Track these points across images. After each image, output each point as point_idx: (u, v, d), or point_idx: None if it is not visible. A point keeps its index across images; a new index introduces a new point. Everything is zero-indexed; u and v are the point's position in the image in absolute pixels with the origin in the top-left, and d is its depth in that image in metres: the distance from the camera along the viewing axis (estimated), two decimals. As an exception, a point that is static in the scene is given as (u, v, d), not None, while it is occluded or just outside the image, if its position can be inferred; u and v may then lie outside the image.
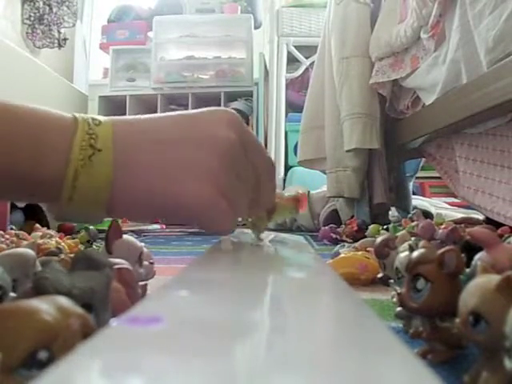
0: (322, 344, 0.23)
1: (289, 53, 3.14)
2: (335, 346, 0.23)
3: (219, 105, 3.15)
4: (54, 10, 1.95)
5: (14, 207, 1.60)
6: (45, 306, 0.25)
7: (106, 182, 0.43)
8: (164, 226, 2.77)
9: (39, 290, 0.29)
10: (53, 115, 0.44)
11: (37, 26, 1.88)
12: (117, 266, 0.41)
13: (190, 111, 0.50)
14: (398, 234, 0.76)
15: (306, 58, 3.09)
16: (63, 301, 0.27)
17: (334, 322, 0.28)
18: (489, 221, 1.20)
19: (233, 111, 0.50)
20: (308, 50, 2.98)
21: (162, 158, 0.45)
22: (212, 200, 0.45)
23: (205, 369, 0.18)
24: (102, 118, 0.46)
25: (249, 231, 0.63)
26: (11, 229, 1.19)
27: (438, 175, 1.59)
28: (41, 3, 1.88)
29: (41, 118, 0.43)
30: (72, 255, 0.67)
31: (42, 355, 0.24)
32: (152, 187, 0.44)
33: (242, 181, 0.48)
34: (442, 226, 0.96)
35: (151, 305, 0.27)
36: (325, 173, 1.93)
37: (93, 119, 0.45)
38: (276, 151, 3.08)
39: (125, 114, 3.14)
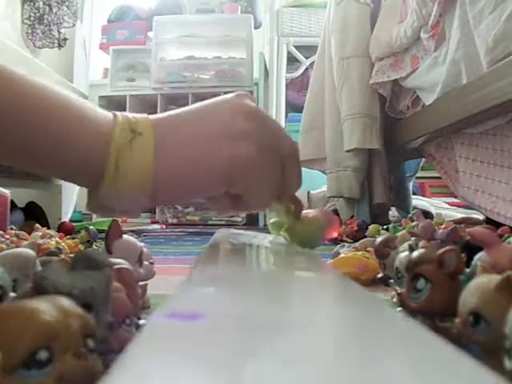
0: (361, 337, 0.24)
1: (289, 53, 3.14)
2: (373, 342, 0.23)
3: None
4: (54, 10, 1.94)
5: (13, 207, 1.60)
6: (45, 306, 0.25)
7: (148, 163, 0.43)
8: (164, 226, 2.77)
9: (39, 290, 0.29)
10: (93, 108, 0.46)
11: (37, 26, 1.88)
12: (117, 266, 0.41)
13: (212, 101, 0.51)
14: (398, 234, 0.76)
15: (306, 57, 3.09)
16: (63, 301, 0.27)
17: (361, 318, 0.28)
18: (489, 221, 1.20)
19: (250, 103, 0.50)
20: (308, 49, 2.98)
21: (199, 133, 0.47)
22: (250, 156, 0.46)
23: (250, 364, 0.19)
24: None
25: (247, 232, 0.63)
26: (11, 229, 1.19)
27: (438, 175, 1.59)
28: (41, 3, 1.87)
29: (85, 107, 0.45)
30: (72, 255, 0.67)
31: (42, 355, 0.24)
32: (193, 157, 0.45)
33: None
34: (442, 226, 0.96)
35: (183, 301, 0.28)
36: (325, 173, 1.93)
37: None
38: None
39: (125, 114, 3.13)
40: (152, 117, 0.47)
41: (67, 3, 2.01)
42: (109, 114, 0.46)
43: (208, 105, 0.50)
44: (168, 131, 0.46)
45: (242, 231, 0.73)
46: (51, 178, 0.50)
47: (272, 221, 0.60)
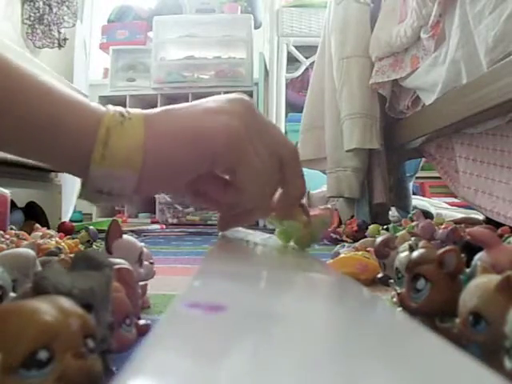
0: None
1: (289, 53, 3.14)
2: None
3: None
4: (54, 10, 1.94)
5: (13, 207, 1.60)
6: (45, 306, 0.25)
7: (138, 142, 0.44)
8: (164, 226, 2.77)
9: (39, 290, 0.29)
10: (85, 99, 0.47)
11: (37, 26, 1.88)
12: (117, 266, 0.41)
13: (204, 102, 0.50)
14: (398, 234, 0.76)
15: (306, 57, 3.09)
16: (63, 301, 0.27)
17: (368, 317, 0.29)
18: (489, 221, 1.20)
19: (246, 104, 0.50)
20: (308, 49, 2.98)
21: (187, 113, 0.48)
22: (237, 129, 0.46)
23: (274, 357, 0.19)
24: None
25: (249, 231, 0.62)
26: (11, 229, 1.19)
27: (438, 175, 1.59)
28: (41, 3, 1.87)
29: (77, 96, 0.46)
30: (72, 255, 0.67)
31: (42, 355, 0.24)
32: (180, 133, 0.46)
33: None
34: (442, 226, 0.96)
35: (201, 293, 0.28)
36: (325, 173, 1.93)
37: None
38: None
39: (125, 114, 3.14)
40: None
41: (67, 3, 2.01)
42: (101, 106, 0.47)
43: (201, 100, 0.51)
44: (157, 116, 0.47)
45: (248, 230, 0.73)
46: (43, 163, 0.50)
47: (279, 230, 0.59)
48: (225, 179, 0.51)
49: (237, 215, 0.55)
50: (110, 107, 0.46)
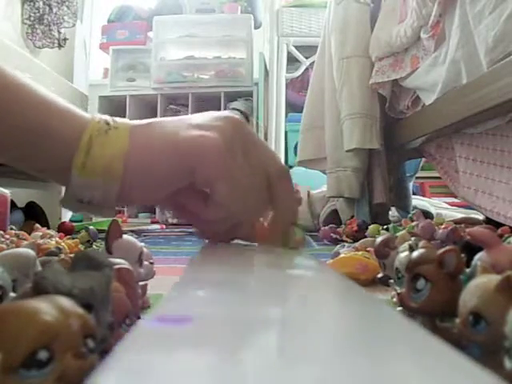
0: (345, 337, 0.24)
1: (289, 53, 3.14)
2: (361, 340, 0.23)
3: (219, 105, 3.15)
4: (54, 10, 1.94)
5: (13, 207, 1.60)
6: (45, 306, 0.25)
7: (120, 151, 0.44)
8: (164, 226, 2.77)
9: (39, 290, 0.29)
10: (72, 106, 0.47)
11: (37, 26, 1.88)
12: (117, 266, 0.41)
13: (191, 118, 0.51)
14: (398, 234, 0.76)
15: (306, 57, 3.09)
16: (63, 301, 0.27)
17: (353, 316, 0.28)
18: (489, 221, 1.20)
19: (233, 121, 0.50)
20: (308, 49, 2.99)
21: (173, 126, 0.48)
22: (217, 143, 0.46)
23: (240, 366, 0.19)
24: None
25: None
26: (11, 229, 1.19)
27: (438, 175, 1.59)
28: (41, 3, 1.87)
29: (64, 104, 0.47)
30: (72, 255, 0.67)
31: (42, 355, 0.24)
32: (162, 145, 0.46)
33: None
34: (442, 226, 0.96)
35: (174, 305, 0.28)
36: (325, 173, 1.93)
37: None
38: (276, 151, 3.09)
39: (125, 114, 3.15)
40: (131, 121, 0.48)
41: (67, 3, 2.01)
42: (87, 114, 0.47)
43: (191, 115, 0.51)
44: (142, 127, 0.47)
45: None
46: (29, 171, 0.50)
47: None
48: (206, 193, 0.50)
49: (216, 233, 0.55)
50: (97, 115, 0.46)
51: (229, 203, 0.49)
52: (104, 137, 0.44)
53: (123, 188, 0.45)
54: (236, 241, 0.57)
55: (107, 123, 0.45)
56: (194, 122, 0.48)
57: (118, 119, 0.47)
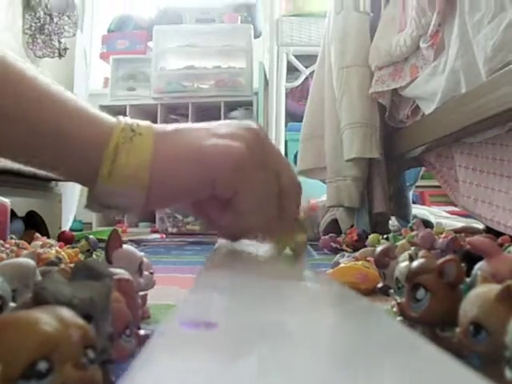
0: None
1: (288, 62, 3.14)
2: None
3: (219, 114, 3.15)
4: (55, 19, 1.95)
5: (13, 216, 1.60)
6: (45, 317, 0.25)
7: (146, 160, 0.44)
8: (164, 236, 2.77)
9: (39, 301, 0.29)
10: (96, 110, 0.48)
11: (37, 35, 1.89)
12: (117, 276, 0.41)
13: (214, 126, 0.51)
14: (398, 243, 0.76)
15: (306, 67, 3.10)
16: (63, 311, 0.26)
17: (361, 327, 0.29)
18: (488, 230, 1.20)
19: (255, 131, 0.50)
20: (308, 59, 2.99)
21: (197, 135, 0.48)
22: (243, 153, 0.47)
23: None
24: None
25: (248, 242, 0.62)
26: (11, 238, 1.19)
27: (437, 184, 1.59)
28: (42, 13, 1.88)
29: (88, 107, 0.47)
30: (72, 265, 0.67)
31: (42, 366, 0.24)
32: (188, 154, 0.46)
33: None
34: (442, 236, 0.96)
35: (193, 310, 0.28)
36: (325, 182, 1.93)
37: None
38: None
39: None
40: (154, 125, 0.48)
41: (68, 13, 2.02)
42: (111, 117, 0.47)
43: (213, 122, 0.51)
44: (166, 135, 0.47)
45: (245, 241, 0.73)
46: (49, 172, 0.51)
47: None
48: (225, 201, 0.50)
49: (230, 234, 0.55)
50: (121, 119, 0.46)
51: (247, 213, 0.50)
52: (129, 144, 0.44)
53: (148, 195, 0.45)
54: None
55: (132, 129, 0.45)
56: (219, 132, 0.48)
57: (141, 123, 0.47)
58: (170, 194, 0.48)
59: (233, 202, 0.49)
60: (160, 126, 0.48)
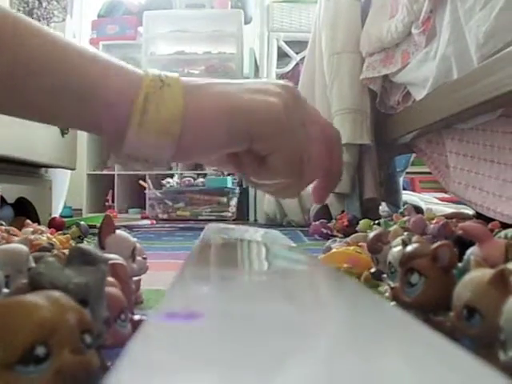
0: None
1: (279, 48, 3.13)
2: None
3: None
4: (44, 4, 1.93)
5: (3, 203, 1.59)
6: (42, 302, 0.25)
7: (177, 114, 0.43)
8: (154, 222, 2.76)
9: (35, 286, 0.29)
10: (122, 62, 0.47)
11: (26, 20, 1.86)
12: (111, 262, 0.41)
13: (245, 82, 0.50)
14: (391, 228, 0.77)
15: (297, 53, 3.09)
16: (60, 296, 0.26)
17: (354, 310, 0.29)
18: (479, 216, 1.21)
19: (289, 88, 0.49)
20: (298, 45, 2.98)
21: (227, 89, 0.46)
22: (278, 109, 0.45)
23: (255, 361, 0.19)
24: None
25: (238, 227, 0.62)
26: (1, 224, 1.18)
27: (428, 170, 1.60)
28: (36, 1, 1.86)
29: (114, 60, 0.46)
30: (65, 251, 0.67)
31: (40, 351, 0.24)
32: (219, 107, 0.45)
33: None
34: (434, 221, 0.96)
35: (178, 301, 0.28)
36: (315, 168, 1.93)
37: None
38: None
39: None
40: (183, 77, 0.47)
41: (57, -2, 2.00)
42: (137, 69, 0.46)
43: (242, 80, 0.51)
44: (196, 86, 0.46)
45: (232, 226, 0.73)
46: (73, 127, 0.51)
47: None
48: (260, 158, 0.48)
49: (264, 187, 0.55)
50: (149, 71, 0.45)
51: (282, 173, 0.48)
52: (160, 95, 0.43)
53: (178, 147, 0.44)
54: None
55: (161, 80, 0.44)
56: (253, 87, 0.47)
57: (168, 74, 0.46)
58: (201, 146, 0.46)
59: (267, 160, 0.47)
60: (190, 79, 0.47)
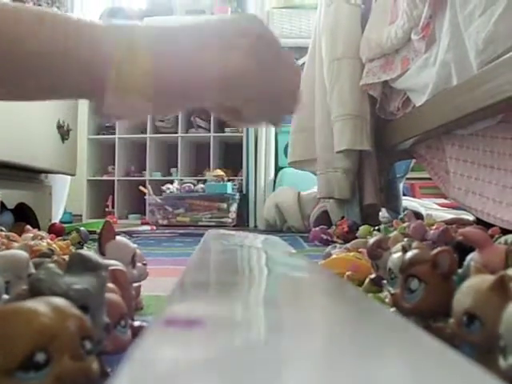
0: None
1: (279, 54, 3.13)
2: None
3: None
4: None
5: (3, 208, 1.59)
6: (42, 308, 0.25)
7: (147, 69, 0.46)
8: (154, 228, 2.76)
9: (35, 292, 0.29)
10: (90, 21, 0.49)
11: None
12: (111, 268, 0.41)
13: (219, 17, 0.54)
14: (391, 234, 0.77)
15: (297, 59, 3.09)
16: (60, 302, 0.26)
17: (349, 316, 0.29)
18: (478, 221, 1.21)
19: (261, 26, 0.51)
20: (298, 51, 2.99)
21: (196, 43, 0.49)
22: (246, 68, 0.48)
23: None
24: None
25: (238, 233, 0.62)
26: (1, 230, 1.18)
27: (428, 176, 1.60)
28: (31, 3, 1.87)
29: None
30: (65, 257, 0.67)
31: (40, 357, 0.24)
32: (189, 66, 0.48)
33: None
34: (434, 227, 0.96)
35: (179, 307, 0.28)
36: (315, 174, 1.93)
37: None
38: (266, 152, 3.09)
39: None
40: (152, 27, 0.50)
41: (57, 4, 2.00)
42: (106, 26, 0.49)
43: (212, 20, 0.52)
44: (167, 41, 0.49)
45: (232, 232, 0.73)
46: (52, 97, 0.54)
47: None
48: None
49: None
50: (119, 35, 0.47)
51: (256, 120, 0.54)
52: (130, 59, 0.46)
53: (155, 104, 0.48)
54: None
55: (130, 41, 0.47)
56: (222, 41, 0.49)
57: (136, 29, 0.48)
58: (173, 101, 0.50)
59: (242, 112, 0.51)
60: (158, 29, 0.49)
